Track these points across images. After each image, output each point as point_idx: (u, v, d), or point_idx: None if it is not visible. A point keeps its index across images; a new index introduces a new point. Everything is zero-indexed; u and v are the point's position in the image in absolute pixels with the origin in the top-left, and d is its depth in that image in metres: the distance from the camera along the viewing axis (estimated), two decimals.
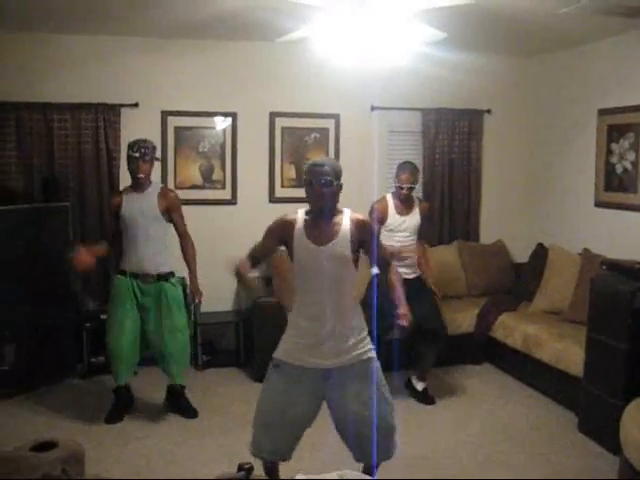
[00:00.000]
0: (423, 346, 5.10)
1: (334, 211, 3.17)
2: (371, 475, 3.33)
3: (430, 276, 5.20)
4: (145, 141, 4.58)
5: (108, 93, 5.77)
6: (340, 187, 3.15)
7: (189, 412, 4.84)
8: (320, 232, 3.13)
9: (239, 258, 3.29)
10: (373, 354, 3.28)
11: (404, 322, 3.35)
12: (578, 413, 4.68)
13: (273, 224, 3.26)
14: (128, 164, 4.58)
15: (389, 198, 5.01)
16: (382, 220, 4.89)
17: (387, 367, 4.41)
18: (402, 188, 4.89)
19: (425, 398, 5.12)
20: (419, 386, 5.17)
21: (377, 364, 3.29)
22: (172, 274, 4.74)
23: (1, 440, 4.12)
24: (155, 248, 4.62)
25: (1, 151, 5.54)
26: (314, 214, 3.15)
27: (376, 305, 4.10)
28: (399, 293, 3.39)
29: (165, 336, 4.66)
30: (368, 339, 3.29)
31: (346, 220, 3.15)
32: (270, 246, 3.28)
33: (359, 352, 3.22)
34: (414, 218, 4.99)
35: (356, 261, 3.20)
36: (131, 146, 4.54)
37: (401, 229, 4.93)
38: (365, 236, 3.17)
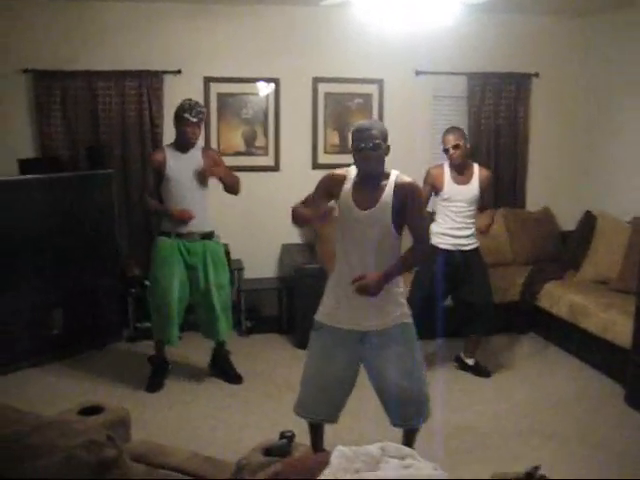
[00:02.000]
0: (470, 322, 4.98)
1: (382, 175, 3.15)
2: (412, 439, 3.35)
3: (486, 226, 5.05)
4: (200, 105, 4.61)
5: (151, 60, 5.77)
6: (388, 149, 3.14)
7: (234, 378, 4.89)
8: (364, 196, 3.13)
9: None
10: (410, 319, 3.28)
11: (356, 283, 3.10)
12: (625, 385, 4.60)
13: (325, 177, 3.27)
14: (181, 126, 4.56)
15: (446, 166, 4.81)
16: (437, 188, 4.77)
17: (433, 334, 4.43)
18: (447, 150, 4.72)
19: (479, 371, 5.05)
20: (470, 362, 5.09)
21: (414, 329, 3.28)
22: (213, 233, 4.79)
23: (49, 402, 4.24)
24: (199, 208, 4.65)
25: (47, 119, 5.60)
26: (362, 177, 3.14)
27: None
28: (395, 269, 3.16)
29: (213, 293, 4.71)
30: (406, 304, 3.29)
31: (390, 185, 3.13)
32: (319, 198, 3.23)
33: (397, 315, 3.23)
34: (472, 188, 4.78)
35: (401, 226, 3.17)
36: (187, 109, 4.50)
37: (457, 199, 4.75)
38: (408, 200, 3.12)
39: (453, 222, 4.78)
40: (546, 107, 6.60)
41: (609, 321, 4.84)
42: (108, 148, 5.68)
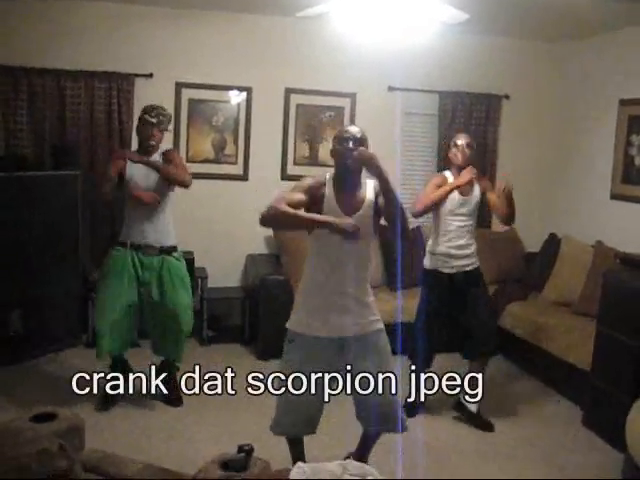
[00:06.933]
0: (470, 354, 4.52)
1: (359, 180, 3.18)
2: (370, 446, 3.38)
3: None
4: (163, 109, 4.38)
5: (122, 62, 5.71)
6: None
7: (173, 400, 4.59)
8: (348, 200, 3.13)
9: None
10: (383, 325, 3.29)
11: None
12: (583, 407, 4.64)
13: (308, 180, 3.19)
14: (140, 128, 4.33)
15: (449, 176, 4.45)
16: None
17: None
18: (457, 147, 4.39)
19: (481, 422, 4.45)
20: (472, 407, 4.47)
21: (386, 337, 3.29)
22: (175, 248, 4.49)
23: (4, 407, 4.12)
24: (159, 219, 4.37)
25: (12, 117, 5.49)
26: (341, 180, 3.14)
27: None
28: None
29: (166, 313, 4.42)
30: (377, 309, 3.30)
31: (370, 189, 3.18)
32: (302, 200, 3.10)
33: (373, 320, 3.24)
34: (474, 197, 4.43)
35: (377, 225, 3.23)
36: (148, 110, 4.30)
37: (461, 212, 4.36)
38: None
39: (458, 239, 4.39)
40: (515, 129, 6.68)
41: (570, 343, 4.88)
42: (74, 149, 5.57)
